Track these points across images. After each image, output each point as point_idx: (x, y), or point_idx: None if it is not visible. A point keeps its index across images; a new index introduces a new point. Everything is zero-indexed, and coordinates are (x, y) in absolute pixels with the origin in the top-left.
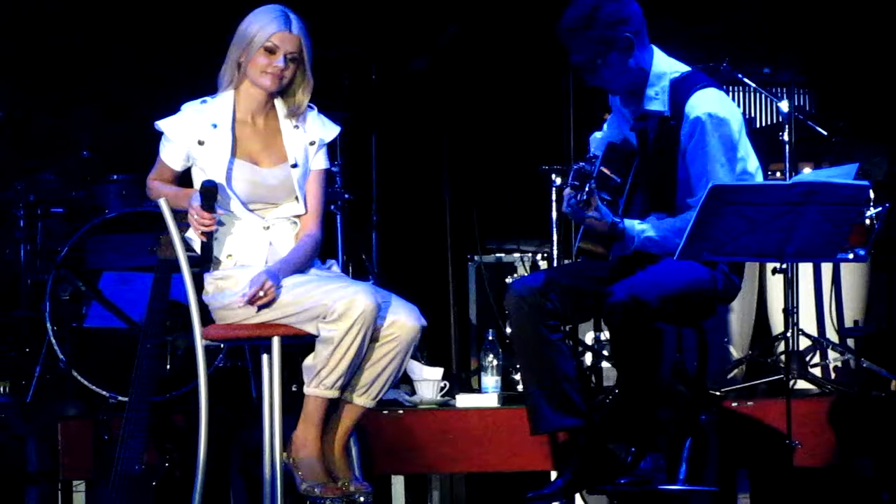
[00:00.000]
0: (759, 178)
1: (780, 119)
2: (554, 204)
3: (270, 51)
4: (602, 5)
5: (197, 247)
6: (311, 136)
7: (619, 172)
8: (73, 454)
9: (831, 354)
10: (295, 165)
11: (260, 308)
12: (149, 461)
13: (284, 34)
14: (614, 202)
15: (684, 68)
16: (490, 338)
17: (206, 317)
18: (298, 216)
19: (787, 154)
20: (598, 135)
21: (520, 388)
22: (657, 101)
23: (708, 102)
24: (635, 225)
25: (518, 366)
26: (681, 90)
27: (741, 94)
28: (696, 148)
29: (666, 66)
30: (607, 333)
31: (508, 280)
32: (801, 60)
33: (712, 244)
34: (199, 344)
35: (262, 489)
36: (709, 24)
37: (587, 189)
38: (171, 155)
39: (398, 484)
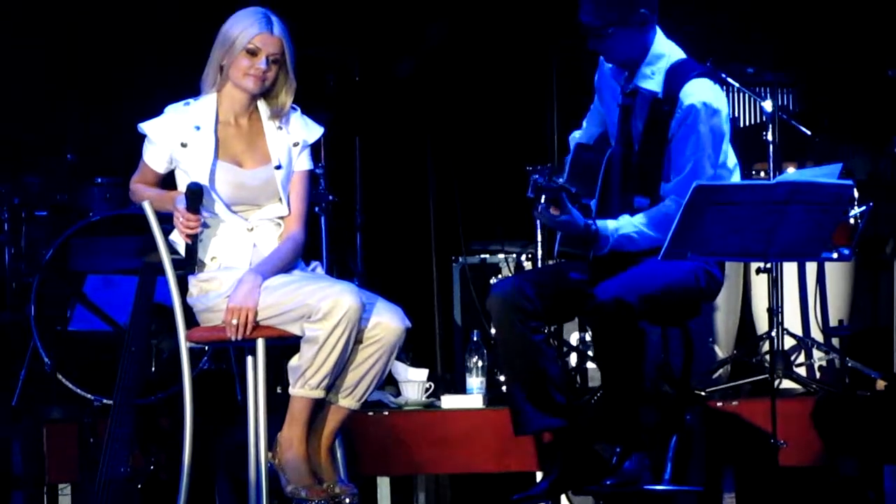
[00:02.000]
0: (737, 176)
1: (764, 118)
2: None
3: (252, 53)
4: None
5: (181, 249)
6: (294, 137)
7: (588, 172)
8: (59, 457)
9: (816, 354)
10: (278, 167)
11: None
12: (134, 464)
13: (266, 36)
14: (586, 206)
15: (681, 52)
16: (475, 339)
17: (191, 319)
18: (282, 217)
19: (771, 153)
20: (576, 134)
21: (504, 389)
22: (652, 80)
23: (703, 92)
24: (608, 225)
25: (502, 367)
26: (677, 75)
27: (725, 93)
28: (686, 135)
29: (666, 47)
30: (592, 333)
31: (493, 281)
32: (784, 59)
33: (696, 243)
34: (184, 346)
35: (247, 491)
36: (692, 22)
37: (543, 199)
38: (155, 157)
39: (384, 485)
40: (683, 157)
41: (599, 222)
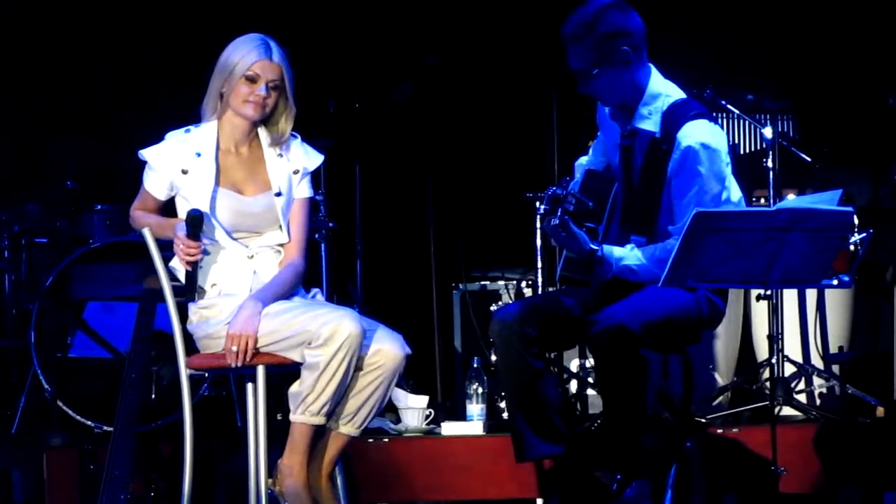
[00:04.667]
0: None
1: (764, 145)
2: (538, 231)
3: (252, 80)
4: (606, 15)
5: (181, 276)
6: (294, 164)
7: (598, 198)
8: (59, 485)
9: (816, 381)
10: (279, 194)
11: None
12: (134, 491)
13: (265, 63)
14: (593, 229)
15: (679, 92)
16: (475, 366)
17: (191, 346)
18: (282, 245)
19: (771, 180)
20: (583, 160)
21: (505, 415)
22: (649, 121)
23: (701, 133)
24: (614, 251)
25: (503, 393)
26: (675, 116)
27: (725, 120)
28: (686, 177)
29: (662, 86)
30: (592, 360)
31: (493, 308)
32: (784, 86)
33: (697, 270)
34: (184, 373)
35: None
36: (692, 50)
37: (559, 214)
38: (155, 184)
39: None
40: (685, 201)
41: (606, 248)
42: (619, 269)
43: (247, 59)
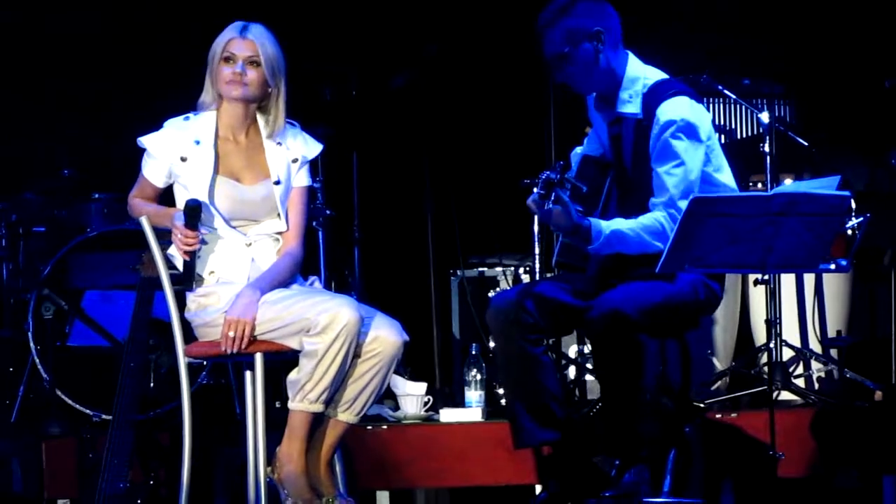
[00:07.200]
0: (730, 180)
1: (761, 130)
2: (535, 218)
3: (228, 59)
4: (577, 1)
5: (179, 264)
6: (293, 153)
7: (593, 184)
8: (58, 474)
9: (814, 365)
10: (277, 182)
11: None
12: (133, 479)
13: (238, 40)
14: (588, 214)
15: (660, 74)
16: (473, 352)
17: (189, 334)
18: (281, 233)
19: (769, 165)
20: (578, 150)
21: (503, 402)
22: (631, 104)
23: (678, 108)
24: (601, 223)
25: (501, 380)
26: (655, 95)
27: (722, 105)
28: (663, 151)
29: (640, 70)
30: (590, 346)
31: (491, 294)
32: (781, 71)
33: (694, 255)
34: (182, 361)
35: None
36: (688, 35)
37: (552, 199)
38: (154, 171)
39: (383, 499)
40: (663, 173)
41: (593, 219)
42: (608, 238)
43: (222, 41)
